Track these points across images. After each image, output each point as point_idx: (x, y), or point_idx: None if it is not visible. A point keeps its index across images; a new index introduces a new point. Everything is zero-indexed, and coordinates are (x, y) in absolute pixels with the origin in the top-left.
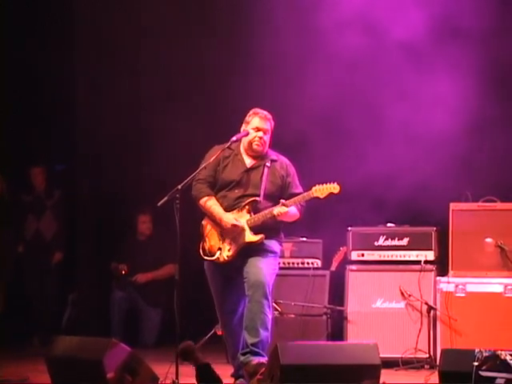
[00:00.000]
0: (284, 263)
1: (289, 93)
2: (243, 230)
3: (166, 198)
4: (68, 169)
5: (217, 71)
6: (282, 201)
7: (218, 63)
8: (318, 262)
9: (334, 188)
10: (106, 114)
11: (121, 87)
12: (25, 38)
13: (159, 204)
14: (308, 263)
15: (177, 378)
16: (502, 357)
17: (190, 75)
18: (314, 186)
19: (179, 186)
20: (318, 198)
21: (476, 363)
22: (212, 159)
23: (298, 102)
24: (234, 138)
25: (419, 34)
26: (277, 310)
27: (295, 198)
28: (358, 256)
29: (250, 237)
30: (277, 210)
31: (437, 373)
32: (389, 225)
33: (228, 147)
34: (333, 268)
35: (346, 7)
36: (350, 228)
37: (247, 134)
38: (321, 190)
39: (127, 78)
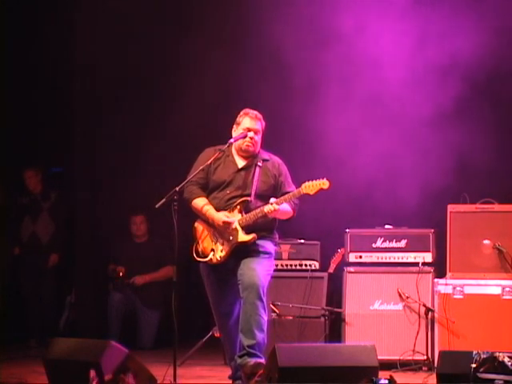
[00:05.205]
0: (282, 265)
1: None
2: (235, 229)
3: (163, 200)
4: (64, 171)
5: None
6: (272, 199)
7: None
8: (316, 264)
9: (323, 184)
10: (105, 116)
11: (119, 90)
12: (24, 40)
13: (157, 206)
14: (306, 265)
15: (174, 379)
16: (500, 358)
17: (189, 77)
18: (304, 182)
19: (177, 188)
20: (308, 194)
21: (474, 365)
22: (210, 161)
23: None
24: (232, 140)
25: None
26: (275, 311)
27: (285, 196)
28: (356, 258)
29: (242, 236)
30: (267, 207)
31: (435, 375)
32: (387, 226)
33: (219, 149)
34: (331, 270)
35: None
36: (347, 230)
37: (245, 135)
38: (310, 187)
39: (126, 80)
